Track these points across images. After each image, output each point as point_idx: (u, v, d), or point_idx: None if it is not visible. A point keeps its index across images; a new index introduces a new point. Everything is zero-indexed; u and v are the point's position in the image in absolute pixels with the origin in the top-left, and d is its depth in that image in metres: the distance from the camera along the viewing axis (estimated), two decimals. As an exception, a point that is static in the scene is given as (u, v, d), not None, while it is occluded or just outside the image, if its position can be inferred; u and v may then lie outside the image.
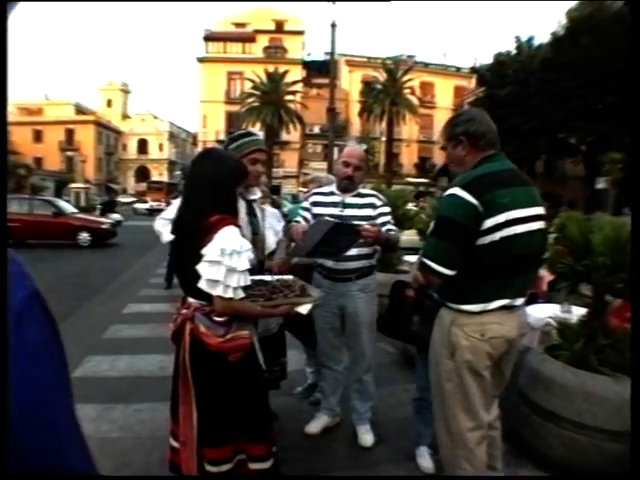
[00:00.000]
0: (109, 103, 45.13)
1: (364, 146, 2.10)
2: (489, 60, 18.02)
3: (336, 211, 1.99)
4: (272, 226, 1.96)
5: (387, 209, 2.04)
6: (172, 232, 1.34)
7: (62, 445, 0.32)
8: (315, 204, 2.07)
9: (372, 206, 2.01)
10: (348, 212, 1.98)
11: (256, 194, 1.76)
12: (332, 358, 2.14)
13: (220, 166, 1.28)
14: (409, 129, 27.92)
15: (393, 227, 1.99)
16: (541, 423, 1.78)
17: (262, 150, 1.68)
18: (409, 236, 4.12)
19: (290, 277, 1.62)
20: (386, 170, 22.47)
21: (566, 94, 13.02)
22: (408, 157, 30.00)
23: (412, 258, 4.08)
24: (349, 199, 2.02)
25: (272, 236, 1.91)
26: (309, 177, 2.87)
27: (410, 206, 4.52)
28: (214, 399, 1.27)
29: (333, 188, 2.10)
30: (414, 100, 23.67)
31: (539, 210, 1.31)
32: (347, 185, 2.00)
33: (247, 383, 1.30)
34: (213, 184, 1.26)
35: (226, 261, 1.19)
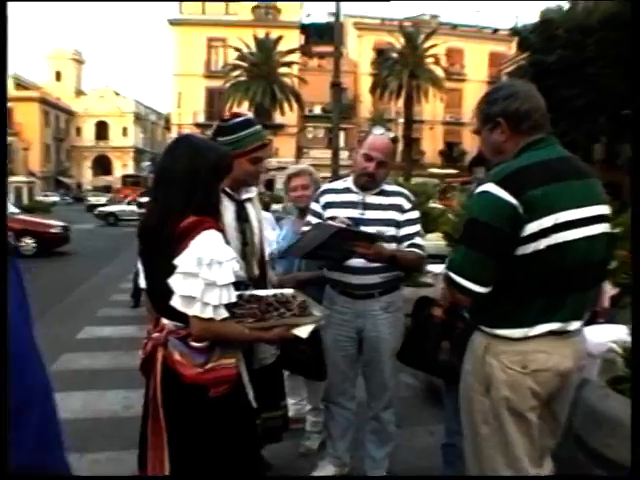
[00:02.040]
0: (58, 76, 44.07)
1: (391, 134, 2.06)
2: (534, 18, 16.73)
3: (355, 213, 2.02)
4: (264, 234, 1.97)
5: (416, 214, 2.08)
6: (139, 238, 1.36)
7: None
8: (328, 205, 2.11)
9: (399, 208, 2.05)
10: (370, 215, 2.02)
11: (250, 192, 1.78)
12: (344, 392, 2.15)
13: (197, 157, 1.29)
14: (432, 108, 28.13)
15: (419, 241, 2.03)
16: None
17: (266, 144, 1.73)
18: (433, 241, 4.15)
19: (289, 291, 1.64)
20: (404, 159, 22.59)
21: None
22: (431, 143, 30.23)
23: (437, 268, 4.10)
24: (371, 198, 2.05)
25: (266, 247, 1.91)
26: (292, 169, 2.61)
27: (434, 204, 4.55)
28: (191, 444, 1.26)
29: (349, 183, 2.13)
30: (439, 72, 23.91)
31: (601, 209, 1.27)
32: (367, 183, 2.03)
33: (232, 425, 1.30)
34: (187, 179, 1.27)
35: (204, 273, 1.21)
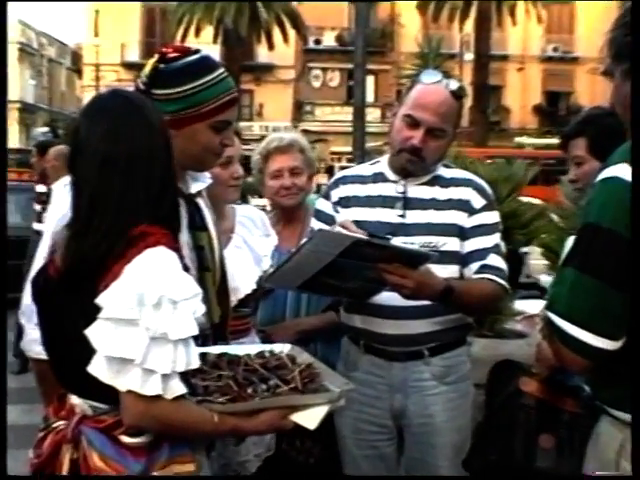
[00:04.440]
0: None
1: (452, 83, 2.08)
2: None
3: (390, 216, 2.07)
4: (248, 247, 2.01)
5: (493, 217, 2.11)
6: (34, 280, 1.40)
7: None
8: (346, 202, 2.16)
9: (465, 207, 2.08)
10: (414, 217, 2.06)
11: (201, 180, 1.81)
12: None
13: (153, 128, 1.36)
14: (523, 34, 28.27)
15: (498, 262, 2.06)
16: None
17: (236, 100, 1.74)
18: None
19: (285, 348, 1.65)
20: (474, 122, 22.57)
21: None
22: (521, 93, 30.33)
23: (532, 306, 4.10)
24: (417, 190, 2.09)
25: (245, 269, 1.95)
26: (271, 141, 2.58)
27: (526, 199, 4.56)
28: None
29: (381, 167, 2.18)
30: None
31: None
32: (410, 164, 2.06)
33: None
34: (142, 162, 1.33)
35: (147, 319, 1.23)
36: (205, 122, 1.65)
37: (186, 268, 1.35)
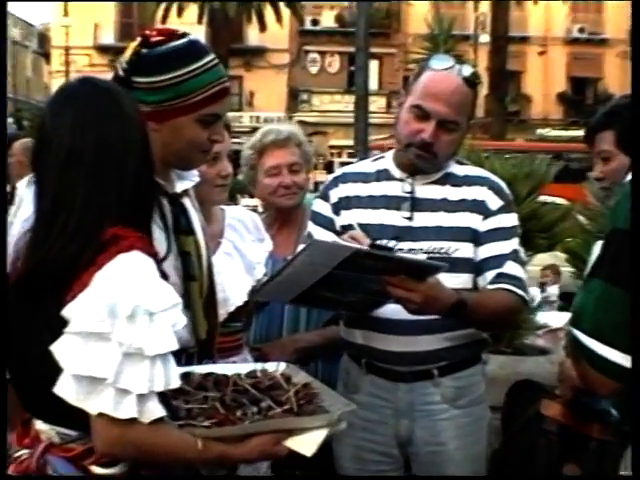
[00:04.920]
0: None
1: (466, 69, 2.09)
2: None
3: (396, 218, 2.07)
4: (238, 253, 2.01)
5: (511, 220, 2.12)
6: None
7: None
8: (346, 203, 2.16)
9: (479, 208, 2.09)
10: (423, 220, 2.07)
11: (188, 179, 1.82)
12: None
13: (126, 119, 1.37)
14: (545, 14, 28.25)
15: (516, 270, 2.05)
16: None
17: (227, 90, 1.75)
18: (544, 262, 4.10)
19: (280, 367, 1.66)
20: (490, 113, 22.54)
21: None
22: (543, 80, 30.32)
23: (555, 319, 4.12)
24: (426, 189, 2.11)
25: (236, 278, 1.95)
26: (267, 134, 2.60)
27: (547, 198, 4.56)
28: None
29: (386, 163, 2.19)
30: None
31: None
32: (419, 160, 2.07)
33: None
34: (112, 159, 1.33)
35: (120, 333, 1.22)
36: (192, 115, 1.65)
37: (164, 276, 1.35)
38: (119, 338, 1.22)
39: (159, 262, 1.36)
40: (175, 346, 1.27)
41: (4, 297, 0.77)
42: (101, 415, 1.23)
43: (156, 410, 1.26)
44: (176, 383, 1.29)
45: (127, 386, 1.22)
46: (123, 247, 1.26)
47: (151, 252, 1.32)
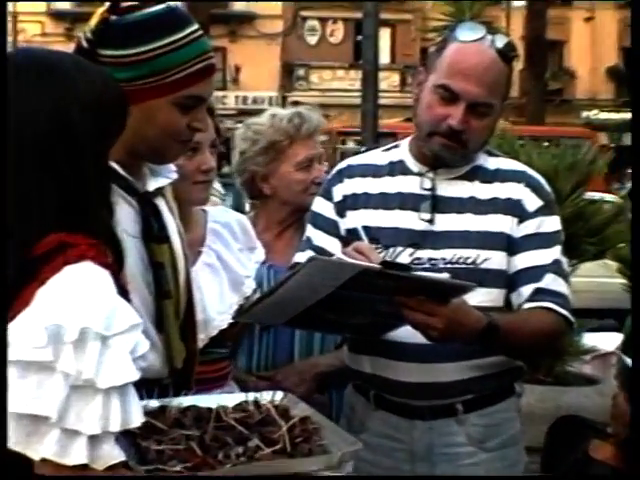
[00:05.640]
0: None
1: (499, 39, 2.07)
2: None
3: (414, 220, 2.07)
4: (223, 264, 2.03)
5: (552, 224, 2.12)
6: None
7: None
8: (352, 202, 2.17)
9: (514, 210, 2.09)
10: (445, 224, 2.07)
11: (165, 175, 1.82)
12: None
13: (65, 91, 1.35)
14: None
15: (558, 285, 2.05)
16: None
17: (212, 67, 1.75)
18: (596, 277, 4.08)
19: (277, 395, 1.65)
20: (527, 91, 22.69)
21: None
22: (591, 52, 30.38)
23: (605, 341, 4.16)
24: (448, 186, 2.11)
25: (220, 295, 1.96)
26: (290, 119, 2.66)
27: (595, 195, 4.56)
28: None
29: (401, 153, 2.20)
30: None
31: None
32: (446, 153, 2.07)
33: None
34: (44, 142, 1.32)
35: (66, 361, 1.21)
36: (168, 97, 1.66)
37: (123, 291, 1.34)
38: (65, 368, 1.21)
39: (117, 275, 1.34)
40: (135, 376, 1.25)
41: (4, 296, 0.86)
42: (45, 461, 1.22)
43: (112, 454, 1.24)
44: (138, 421, 1.28)
45: (75, 426, 1.21)
46: (71, 257, 1.25)
47: (106, 263, 1.31)
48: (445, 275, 1.96)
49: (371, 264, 1.77)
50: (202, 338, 1.91)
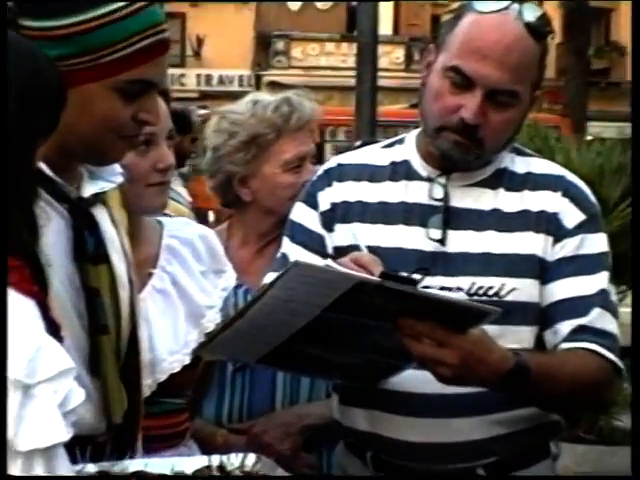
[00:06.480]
0: None
1: (531, 13, 2.03)
2: None
3: (422, 238, 2.07)
4: (179, 291, 2.06)
5: (598, 244, 2.12)
6: None
7: None
8: (343, 212, 2.18)
9: (549, 226, 2.09)
10: (460, 243, 2.08)
11: (107, 178, 1.82)
12: None
13: None
14: None
15: (606, 324, 2.05)
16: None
17: (165, 43, 1.75)
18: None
19: (249, 458, 1.66)
20: (565, 71, 22.93)
21: None
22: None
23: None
24: (465, 194, 2.12)
25: (173, 330, 2.01)
26: (277, 106, 2.69)
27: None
28: None
29: (407, 151, 2.21)
30: None
31: None
32: (457, 153, 2.06)
33: None
34: None
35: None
36: (106, 81, 1.65)
37: (53, 327, 1.33)
38: None
39: (45, 305, 1.33)
40: (65, 436, 1.25)
41: (4, 294, 0.95)
42: None
43: None
44: None
45: None
46: None
47: (31, 290, 1.30)
48: (462, 295, 1.96)
49: (369, 276, 1.74)
50: (149, 384, 1.94)
